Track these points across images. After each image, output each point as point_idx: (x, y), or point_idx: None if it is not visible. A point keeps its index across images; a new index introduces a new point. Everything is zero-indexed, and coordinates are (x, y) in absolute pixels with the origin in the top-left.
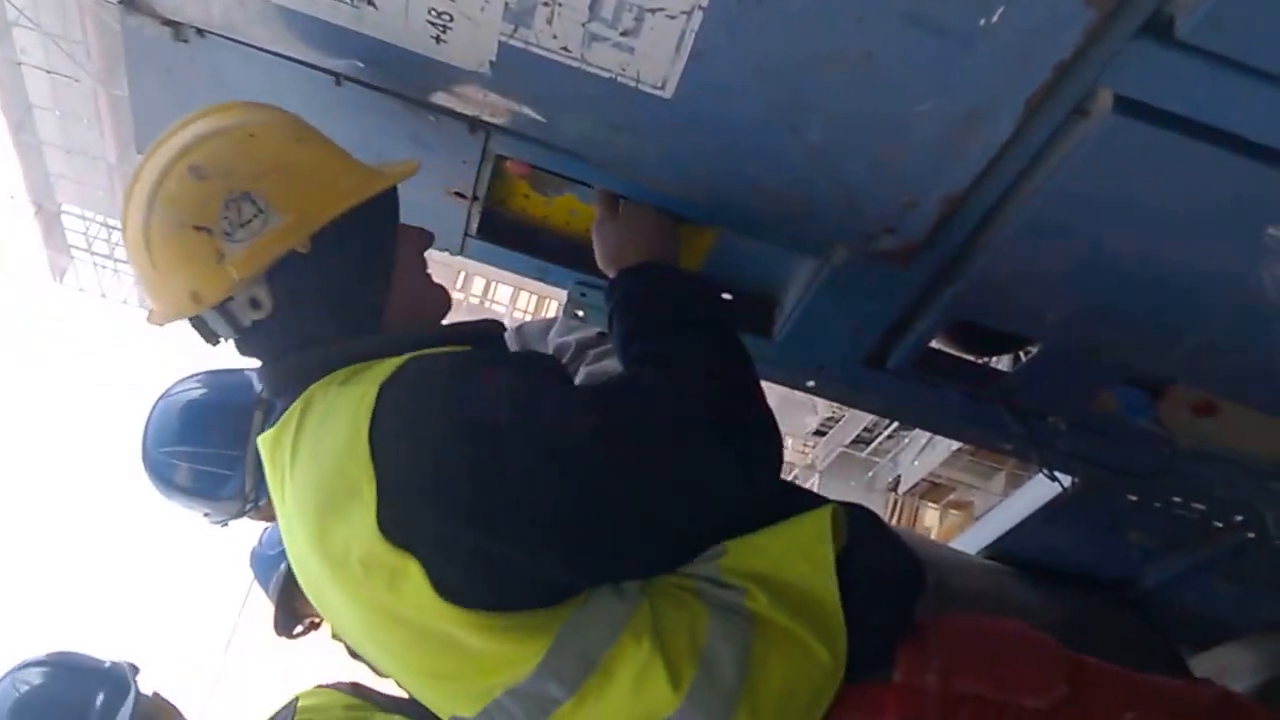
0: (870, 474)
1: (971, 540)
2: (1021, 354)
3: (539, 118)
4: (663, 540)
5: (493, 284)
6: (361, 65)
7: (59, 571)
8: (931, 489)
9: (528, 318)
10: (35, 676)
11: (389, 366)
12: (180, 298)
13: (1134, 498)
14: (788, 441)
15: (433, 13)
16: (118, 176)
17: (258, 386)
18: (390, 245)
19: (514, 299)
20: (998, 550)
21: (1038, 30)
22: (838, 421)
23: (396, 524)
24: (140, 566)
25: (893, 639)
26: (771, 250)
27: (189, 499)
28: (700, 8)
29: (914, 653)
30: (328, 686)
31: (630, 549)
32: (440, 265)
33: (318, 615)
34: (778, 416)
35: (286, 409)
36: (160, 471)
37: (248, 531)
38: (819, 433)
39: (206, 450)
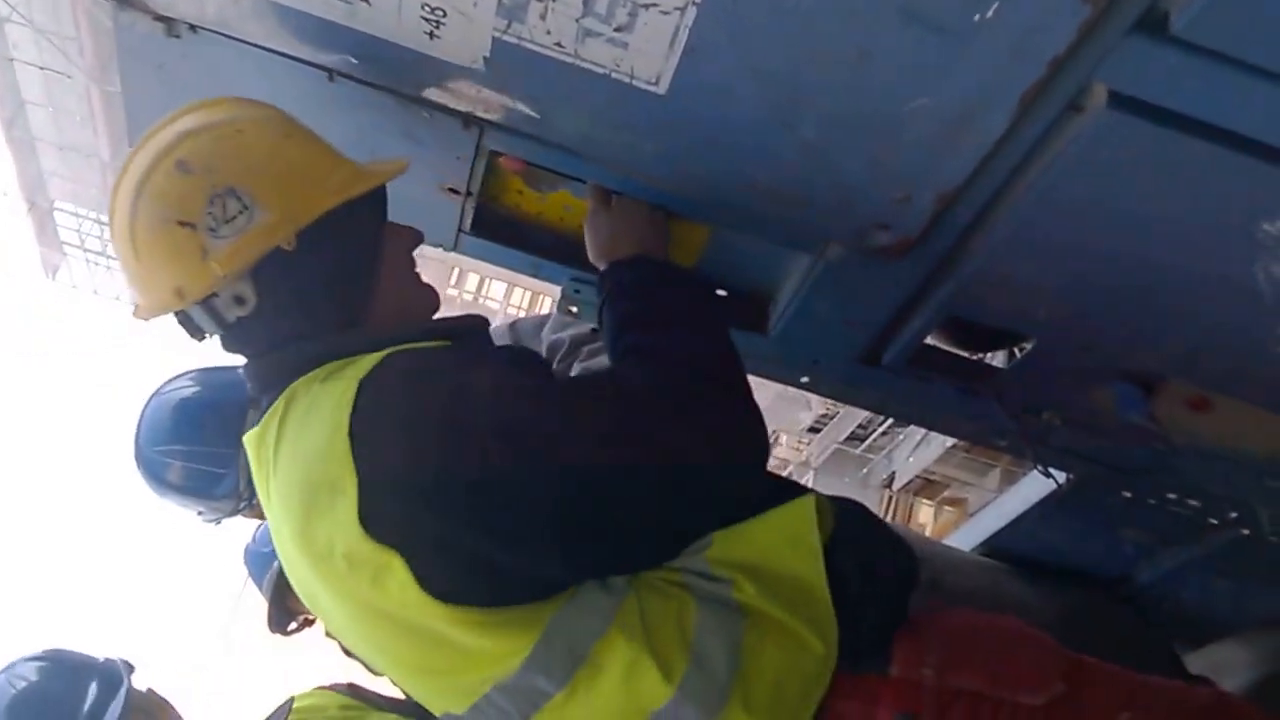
0: (865, 470)
1: (966, 537)
2: (1016, 350)
3: (533, 113)
4: (644, 533)
5: (486, 280)
6: (355, 61)
7: (59, 571)
8: (926, 485)
9: (521, 314)
10: (30, 673)
11: (368, 363)
12: (164, 293)
13: (1128, 494)
14: (782, 438)
15: (426, 8)
16: (111, 173)
17: None
18: (377, 244)
19: (508, 295)
20: (992, 547)
21: (1032, 26)
22: (832, 418)
23: (378, 521)
24: (140, 566)
25: (888, 630)
26: (766, 246)
27: (182, 497)
28: (694, 3)
29: (911, 646)
30: (325, 688)
31: (611, 542)
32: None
33: (311, 612)
34: (772, 413)
35: (270, 406)
36: (153, 470)
37: (247, 529)
38: (813, 429)
39: (200, 448)
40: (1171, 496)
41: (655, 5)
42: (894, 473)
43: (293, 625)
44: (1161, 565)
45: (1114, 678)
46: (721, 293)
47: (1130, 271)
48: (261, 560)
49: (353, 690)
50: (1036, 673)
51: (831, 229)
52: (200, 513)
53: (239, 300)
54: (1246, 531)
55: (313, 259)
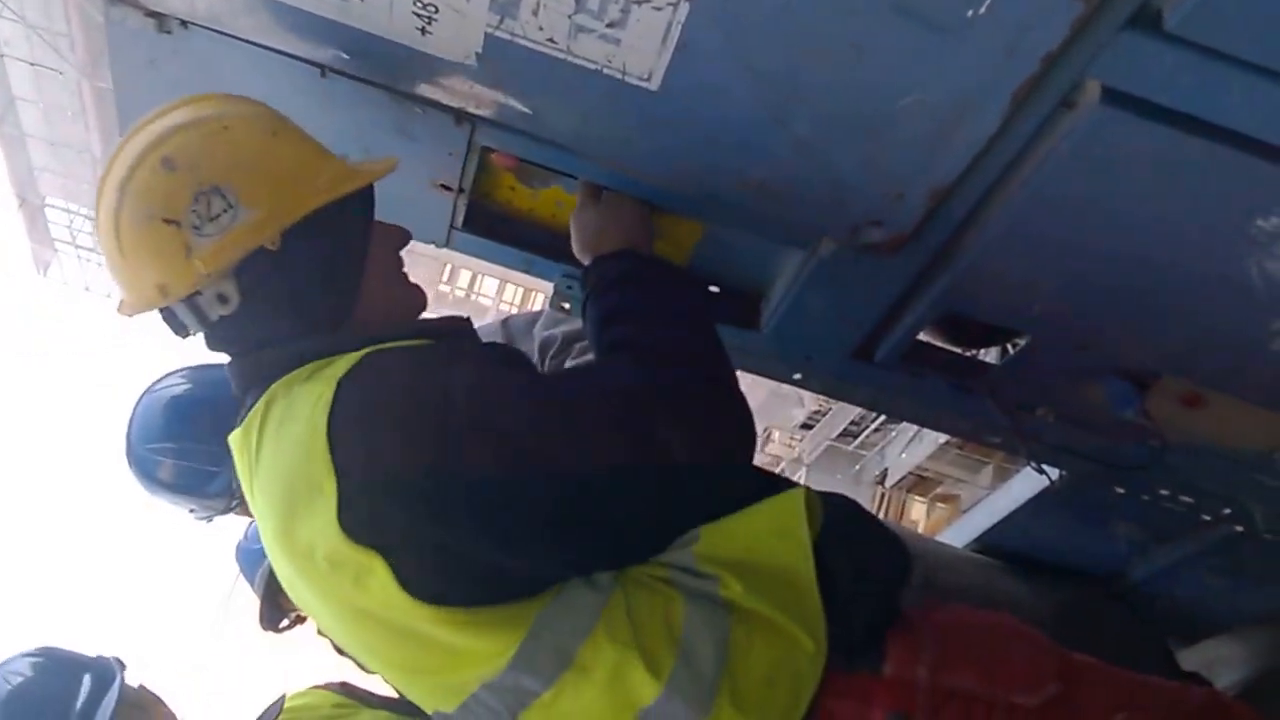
0: (857, 467)
1: (959, 534)
2: (1009, 346)
3: (525, 110)
4: (626, 529)
5: (479, 277)
6: (347, 57)
7: (58, 571)
8: (919, 482)
9: (514, 310)
10: (24, 669)
11: (347, 362)
12: (148, 289)
13: (1122, 491)
14: (774, 435)
15: (418, 4)
16: (102, 169)
17: None
18: (363, 244)
19: (500, 291)
20: (985, 544)
21: (1025, 22)
22: (825, 415)
23: (358, 522)
24: (137, 564)
25: (881, 628)
26: (758, 243)
27: (174, 495)
28: (687, 0)
29: (905, 644)
30: (318, 687)
31: (592, 538)
32: (426, 258)
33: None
34: (765, 410)
35: (253, 406)
36: (145, 468)
37: (239, 525)
38: (806, 426)
39: (191, 446)
40: (1165, 493)
41: (648, 1)
42: (886, 469)
43: (284, 622)
44: (1155, 562)
45: (1109, 677)
46: (714, 289)
47: (1124, 268)
48: (253, 557)
49: (346, 689)
50: (1031, 673)
51: (824, 225)
52: (192, 510)
53: (222, 299)
54: (1240, 528)
55: (298, 258)
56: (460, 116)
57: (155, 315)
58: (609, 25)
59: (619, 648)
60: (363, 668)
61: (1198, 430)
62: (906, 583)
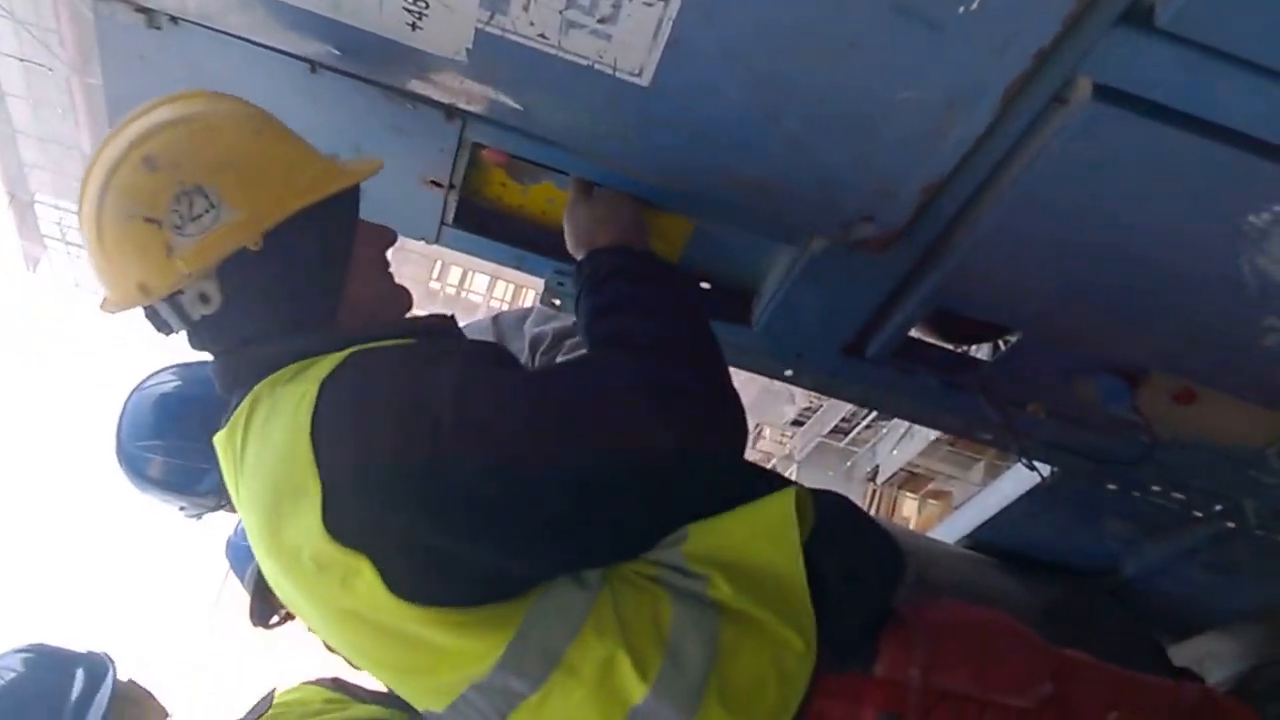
0: (849, 464)
1: (950, 530)
2: (1001, 343)
3: (516, 105)
4: (623, 523)
5: (470, 273)
6: (337, 53)
7: (58, 571)
8: (910, 479)
9: (504, 307)
10: (16, 664)
11: (330, 363)
12: (129, 288)
13: (1113, 487)
14: (766, 432)
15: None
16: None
17: None
18: (346, 244)
19: (491, 288)
20: (976, 540)
21: (1018, 18)
22: (816, 411)
23: (344, 524)
24: (141, 565)
25: (873, 629)
26: (750, 239)
27: (164, 492)
28: None
29: (897, 644)
30: (309, 682)
31: (583, 535)
32: (417, 254)
33: None
34: (756, 406)
35: (238, 406)
36: (134, 465)
37: (229, 522)
38: (797, 422)
39: (182, 443)
40: (1156, 489)
41: None
42: (878, 466)
43: (275, 619)
44: (1146, 558)
45: (1102, 676)
46: (705, 285)
47: (1115, 264)
48: (243, 553)
49: (337, 684)
50: (1024, 674)
51: (816, 222)
52: (182, 508)
53: (204, 298)
54: (1231, 524)
55: (280, 259)
56: (451, 112)
57: (123, 311)
58: (600, 21)
59: (607, 646)
60: (352, 664)
61: (1189, 426)
62: (901, 582)
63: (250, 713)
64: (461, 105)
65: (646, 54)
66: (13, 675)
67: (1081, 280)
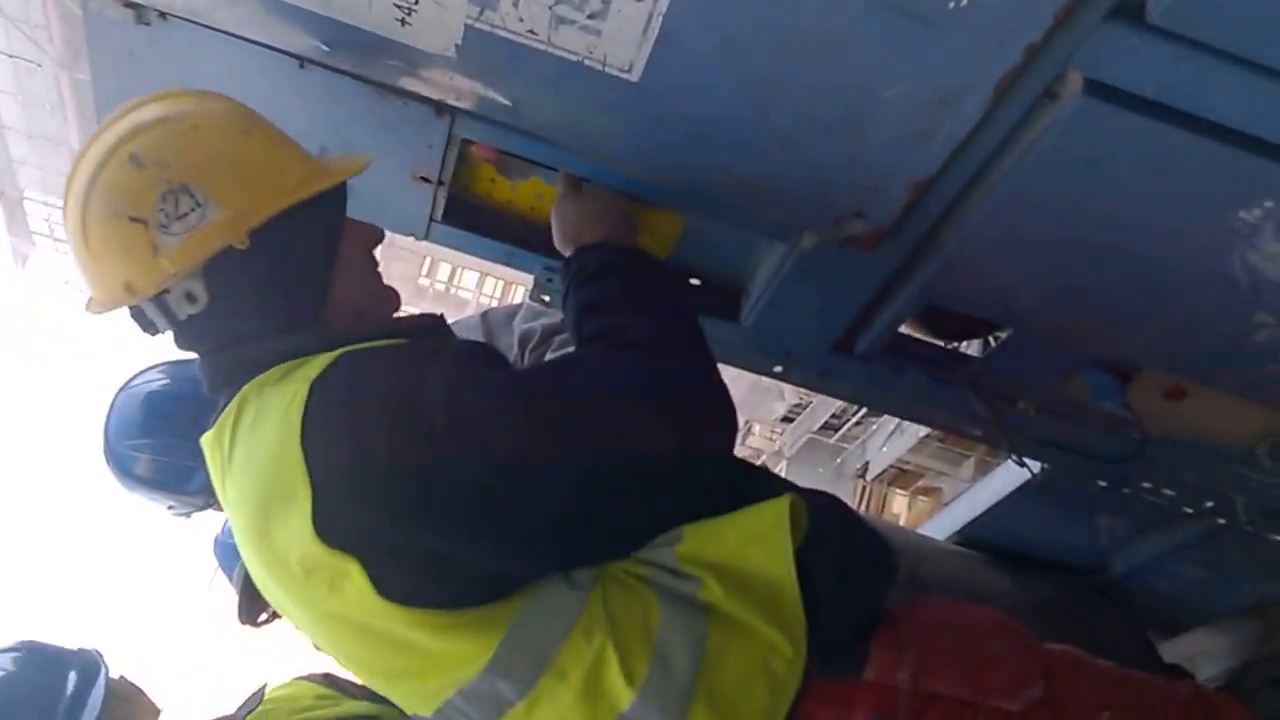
0: (838, 460)
1: (940, 526)
2: (991, 339)
3: (505, 101)
4: (608, 523)
5: (459, 269)
6: (326, 49)
7: (58, 571)
8: (900, 475)
9: (494, 303)
10: (8, 663)
11: (320, 364)
12: (115, 288)
13: (1103, 483)
14: (755, 428)
15: None
16: None
17: None
18: (333, 243)
19: (480, 284)
20: (966, 536)
21: (1008, 13)
22: (805, 408)
23: (333, 526)
24: (141, 565)
25: (864, 631)
26: (740, 235)
27: (152, 491)
28: None
29: (887, 647)
30: (301, 678)
31: (583, 534)
32: (406, 251)
33: None
34: (746, 403)
35: (225, 407)
36: (122, 464)
37: (218, 519)
38: (786, 419)
39: (169, 442)
40: (1146, 486)
41: None
42: (868, 462)
43: (263, 617)
44: (1136, 554)
45: (1094, 675)
46: (695, 281)
47: (1106, 261)
48: (231, 551)
49: (328, 680)
50: (1014, 676)
51: (806, 218)
52: (170, 507)
53: (190, 298)
54: (1222, 521)
55: (266, 258)
56: (440, 108)
57: (110, 312)
58: (590, 16)
59: (596, 646)
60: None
61: (1180, 423)
62: (892, 585)
63: (241, 708)
64: (451, 101)
65: (636, 50)
66: (3, 674)
67: (1072, 276)
